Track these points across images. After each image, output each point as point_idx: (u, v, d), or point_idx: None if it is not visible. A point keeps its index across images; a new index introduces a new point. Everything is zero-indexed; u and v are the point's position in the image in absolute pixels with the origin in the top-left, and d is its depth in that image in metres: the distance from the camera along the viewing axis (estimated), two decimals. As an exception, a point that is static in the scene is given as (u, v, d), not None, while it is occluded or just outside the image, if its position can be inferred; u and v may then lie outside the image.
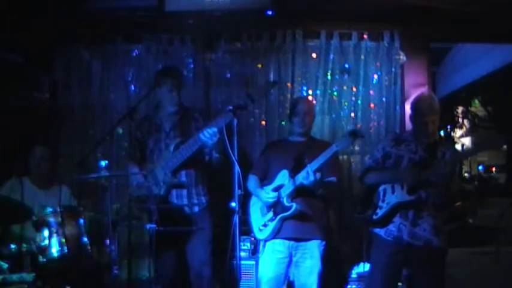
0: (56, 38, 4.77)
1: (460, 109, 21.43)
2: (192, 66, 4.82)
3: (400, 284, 3.90)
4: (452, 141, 22.71)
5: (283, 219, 3.65)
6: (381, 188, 3.53)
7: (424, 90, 4.65)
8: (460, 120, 22.28)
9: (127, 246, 3.57)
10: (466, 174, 25.70)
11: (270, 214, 3.71)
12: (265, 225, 3.73)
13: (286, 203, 3.63)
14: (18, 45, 4.58)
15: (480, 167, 28.89)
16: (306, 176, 3.50)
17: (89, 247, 3.56)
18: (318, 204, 3.75)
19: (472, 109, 21.82)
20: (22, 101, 4.62)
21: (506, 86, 15.57)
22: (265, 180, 3.86)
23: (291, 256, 3.72)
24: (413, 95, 4.66)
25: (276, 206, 3.68)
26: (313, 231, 3.68)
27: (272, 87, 4.48)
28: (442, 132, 19.79)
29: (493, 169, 27.15)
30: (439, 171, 3.32)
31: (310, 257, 3.67)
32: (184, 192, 3.80)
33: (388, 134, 3.88)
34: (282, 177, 3.70)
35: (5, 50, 4.55)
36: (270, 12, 4.39)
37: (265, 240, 3.76)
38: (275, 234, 3.69)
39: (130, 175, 3.80)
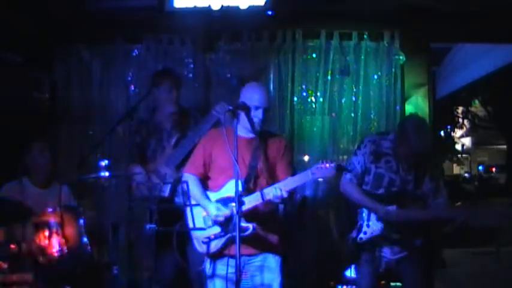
0: (56, 38, 4.78)
1: (460, 109, 21.43)
2: (192, 66, 4.83)
3: (399, 284, 3.91)
4: (452, 141, 22.74)
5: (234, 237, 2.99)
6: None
7: (423, 89, 4.67)
8: (460, 120, 22.28)
9: (127, 246, 3.57)
10: (466, 175, 25.70)
11: (217, 228, 3.11)
12: (209, 240, 3.12)
13: (241, 221, 2.98)
14: (18, 45, 4.58)
15: (480, 167, 28.89)
16: (280, 195, 2.96)
17: (89, 247, 3.57)
18: (269, 218, 3.22)
19: (472, 109, 21.81)
20: (22, 101, 4.62)
21: (506, 86, 15.57)
22: (205, 179, 3.26)
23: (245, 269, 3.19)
24: (413, 95, 4.69)
25: (224, 226, 3.08)
26: (266, 245, 3.18)
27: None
28: (442, 132, 19.81)
29: (493, 169, 27.14)
30: (424, 192, 3.32)
31: (268, 270, 3.17)
32: None
33: (366, 144, 3.48)
34: (233, 188, 2.97)
35: (5, 50, 4.54)
36: (270, 12, 4.39)
37: (209, 256, 3.20)
38: (221, 252, 3.12)
39: (130, 175, 3.80)
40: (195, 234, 3.21)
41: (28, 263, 3.44)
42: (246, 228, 3.02)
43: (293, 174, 3.18)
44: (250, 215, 3.06)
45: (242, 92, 3.22)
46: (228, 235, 3.07)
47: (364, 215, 3.43)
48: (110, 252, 3.48)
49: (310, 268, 4.49)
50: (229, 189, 3.08)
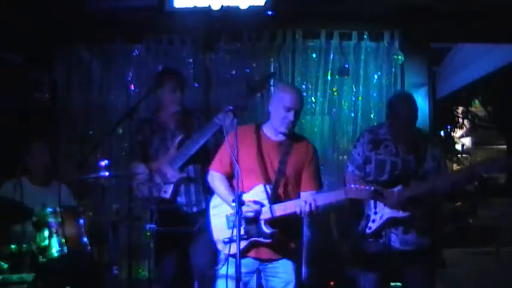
0: (56, 38, 4.78)
1: (460, 109, 21.41)
2: (192, 66, 4.83)
3: (399, 284, 3.90)
4: (452, 141, 22.72)
5: (256, 242, 3.09)
6: None
7: (423, 89, 4.68)
8: (460, 120, 22.26)
9: (127, 246, 3.57)
10: (466, 175, 25.61)
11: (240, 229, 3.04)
12: (231, 240, 3.05)
13: (265, 228, 3.04)
14: (18, 45, 4.58)
15: (480, 167, 28.82)
16: (309, 209, 2.97)
17: (89, 247, 3.56)
18: (290, 223, 3.21)
19: (472, 109, 21.79)
20: (22, 101, 4.62)
21: (506, 86, 15.55)
22: (230, 178, 3.23)
23: (258, 272, 3.22)
24: (413, 95, 4.69)
25: (249, 224, 3.05)
26: (285, 251, 3.19)
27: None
28: (442, 132, 19.80)
29: (493, 169, 27.09)
30: (427, 170, 3.31)
31: (284, 271, 3.18)
32: (192, 188, 3.79)
33: (363, 134, 3.54)
34: (261, 193, 3.06)
35: (5, 50, 4.54)
36: (270, 12, 4.39)
37: (229, 255, 3.13)
38: (242, 253, 3.03)
39: (131, 175, 3.79)
40: (217, 234, 3.19)
41: (28, 263, 3.44)
42: (269, 235, 3.04)
43: (319, 180, 3.24)
44: (274, 222, 3.06)
45: (275, 92, 3.25)
46: (252, 239, 3.06)
47: (371, 204, 3.41)
48: (110, 252, 3.47)
49: (310, 268, 4.50)
50: (255, 194, 3.07)
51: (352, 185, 3.03)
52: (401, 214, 3.32)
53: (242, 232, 3.06)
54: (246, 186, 3.11)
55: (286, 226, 3.12)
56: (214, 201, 3.26)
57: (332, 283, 4.27)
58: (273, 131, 3.17)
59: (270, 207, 3.04)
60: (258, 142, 3.13)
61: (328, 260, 4.58)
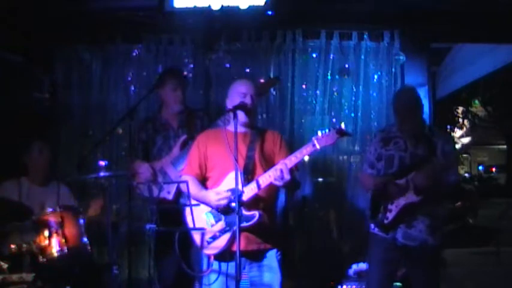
0: (56, 38, 4.78)
1: (460, 109, 21.40)
2: (192, 66, 4.84)
3: (399, 284, 3.90)
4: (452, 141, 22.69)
5: (240, 230, 2.97)
6: None
7: (423, 89, 4.69)
8: (460, 120, 22.25)
9: (127, 246, 3.57)
10: (466, 175, 25.69)
11: (221, 224, 3.09)
12: (214, 238, 3.09)
13: (244, 211, 3.00)
14: (18, 45, 4.58)
15: (480, 167, 28.86)
16: (280, 175, 2.95)
17: (89, 247, 3.57)
18: (271, 208, 3.24)
19: (472, 109, 21.80)
20: (22, 101, 4.62)
21: (506, 86, 15.56)
22: (203, 180, 3.25)
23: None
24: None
25: (228, 214, 3.07)
26: (269, 240, 3.16)
27: (274, 84, 4.42)
28: (442, 133, 19.80)
29: (493, 169, 27.11)
30: (435, 165, 3.32)
31: (269, 270, 3.15)
32: None
33: (376, 134, 3.75)
34: (234, 180, 3.02)
35: (5, 50, 4.55)
36: (270, 12, 4.39)
37: (214, 256, 3.14)
38: (227, 249, 3.08)
39: (130, 175, 3.78)
40: (199, 236, 3.15)
41: (28, 263, 3.44)
42: (252, 216, 3.01)
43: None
44: (252, 204, 3.06)
45: (229, 90, 3.27)
46: (234, 228, 2.98)
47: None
48: (110, 252, 3.48)
49: (310, 268, 4.50)
50: (228, 182, 3.07)
51: (317, 136, 3.01)
52: (415, 198, 3.34)
53: (223, 225, 3.08)
54: (218, 181, 3.15)
55: (264, 207, 3.11)
56: (188, 209, 3.16)
57: (332, 283, 4.26)
58: (236, 125, 3.12)
59: (257, 181, 3.02)
60: (226, 138, 3.05)
61: (328, 260, 4.58)
